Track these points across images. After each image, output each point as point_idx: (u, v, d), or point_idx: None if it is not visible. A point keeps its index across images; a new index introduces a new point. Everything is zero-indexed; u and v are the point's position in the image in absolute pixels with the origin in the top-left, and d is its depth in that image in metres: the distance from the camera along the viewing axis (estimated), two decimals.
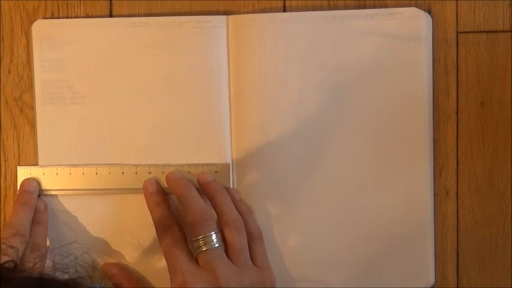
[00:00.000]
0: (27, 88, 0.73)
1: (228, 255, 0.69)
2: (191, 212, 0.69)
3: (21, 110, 0.73)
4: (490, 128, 0.73)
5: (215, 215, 0.70)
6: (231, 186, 0.73)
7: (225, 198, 0.71)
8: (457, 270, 0.74)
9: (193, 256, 0.69)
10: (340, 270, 0.73)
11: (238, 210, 0.71)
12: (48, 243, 0.71)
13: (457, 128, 0.73)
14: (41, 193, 0.72)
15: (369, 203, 0.72)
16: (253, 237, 0.71)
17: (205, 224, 0.68)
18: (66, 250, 0.69)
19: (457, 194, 0.73)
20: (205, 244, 0.68)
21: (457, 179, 0.73)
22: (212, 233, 0.68)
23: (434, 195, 0.73)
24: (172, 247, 0.69)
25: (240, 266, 0.69)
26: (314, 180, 0.72)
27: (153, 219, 0.71)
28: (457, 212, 0.73)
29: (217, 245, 0.68)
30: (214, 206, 0.71)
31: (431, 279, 0.73)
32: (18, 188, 0.72)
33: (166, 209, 0.71)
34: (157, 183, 0.72)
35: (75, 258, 0.61)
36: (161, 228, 0.70)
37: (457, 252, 0.73)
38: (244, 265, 0.69)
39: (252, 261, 0.70)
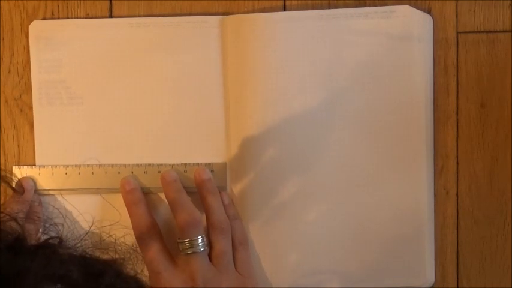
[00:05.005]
0: (27, 88, 0.73)
1: (210, 258, 0.69)
2: (181, 215, 0.69)
3: (21, 110, 0.74)
4: (490, 128, 0.73)
5: (204, 220, 0.71)
6: (227, 186, 0.73)
7: (216, 200, 0.71)
8: (457, 270, 0.73)
9: (171, 256, 0.70)
10: (339, 270, 0.73)
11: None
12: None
13: (457, 128, 0.73)
14: (36, 192, 0.72)
15: (369, 202, 0.72)
16: (236, 243, 0.71)
17: (193, 228, 0.68)
18: (107, 231, 0.69)
19: (457, 194, 0.73)
20: (191, 247, 0.68)
21: (457, 179, 0.73)
22: (199, 237, 0.68)
23: (435, 195, 0.73)
24: (149, 247, 0.69)
25: (221, 269, 0.69)
26: (312, 180, 0.72)
27: (130, 218, 0.71)
28: (457, 212, 0.73)
29: (202, 249, 0.69)
30: (204, 207, 0.71)
31: (431, 279, 0.73)
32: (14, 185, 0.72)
33: (144, 208, 0.71)
34: (134, 180, 0.72)
35: (115, 241, 0.62)
36: (138, 228, 0.70)
37: (457, 252, 0.73)
38: (225, 268, 0.69)
39: (234, 267, 0.71)
